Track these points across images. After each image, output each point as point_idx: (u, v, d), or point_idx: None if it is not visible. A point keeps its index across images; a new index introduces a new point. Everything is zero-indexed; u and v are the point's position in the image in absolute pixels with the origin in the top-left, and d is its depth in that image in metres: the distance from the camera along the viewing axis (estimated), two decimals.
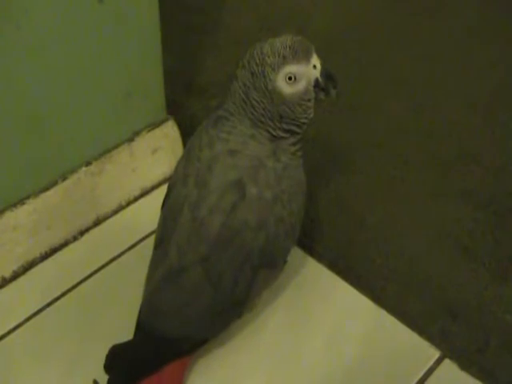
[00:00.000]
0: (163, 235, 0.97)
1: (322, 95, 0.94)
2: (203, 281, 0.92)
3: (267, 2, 1.83)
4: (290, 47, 0.90)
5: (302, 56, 0.90)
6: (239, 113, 0.94)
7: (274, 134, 0.94)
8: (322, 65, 0.92)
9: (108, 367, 0.94)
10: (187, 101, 1.50)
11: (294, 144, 0.96)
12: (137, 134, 1.27)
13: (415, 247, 1.21)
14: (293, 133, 0.95)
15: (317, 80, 0.92)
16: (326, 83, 0.93)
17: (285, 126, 0.94)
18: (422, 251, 1.20)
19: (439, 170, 1.36)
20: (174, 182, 1.00)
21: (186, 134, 1.32)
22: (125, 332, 0.97)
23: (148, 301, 0.97)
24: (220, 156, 0.93)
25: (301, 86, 0.91)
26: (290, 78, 0.90)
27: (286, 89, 0.90)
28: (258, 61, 0.90)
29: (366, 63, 1.63)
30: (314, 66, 0.91)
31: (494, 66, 1.63)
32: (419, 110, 1.50)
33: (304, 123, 0.95)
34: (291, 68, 0.90)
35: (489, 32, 1.75)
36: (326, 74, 0.92)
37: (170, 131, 1.32)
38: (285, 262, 1.02)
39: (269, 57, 0.89)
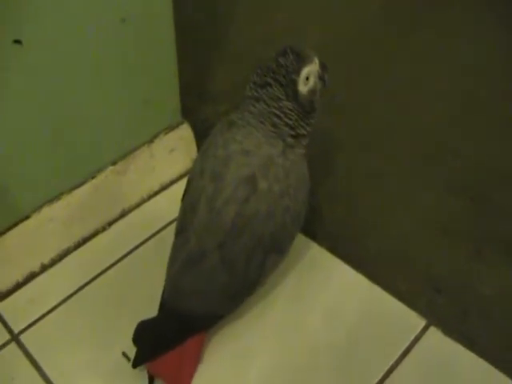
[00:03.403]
0: (183, 224, 0.97)
1: (320, 84, 0.98)
2: (220, 264, 0.93)
3: (267, 19, 1.84)
4: (298, 53, 0.94)
5: (311, 57, 0.95)
6: (261, 127, 0.95)
7: (302, 132, 0.97)
8: (319, 59, 0.96)
9: (136, 340, 0.96)
10: (200, 107, 1.50)
11: (305, 146, 1.00)
12: (155, 136, 1.28)
13: (404, 231, 1.21)
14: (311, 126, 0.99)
15: (317, 72, 0.96)
16: (322, 73, 0.97)
17: (312, 121, 0.98)
18: (409, 235, 1.21)
19: (423, 163, 1.37)
20: (191, 177, 1.01)
21: (199, 135, 1.34)
22: (149, 310, 0.99)
23: (171, 282, 0.98)
24: (234, 154, 0.94)
25: (312, 82, 0.95)
26: (307, 79, 0.94)
27: (304, 88, 0.94)
28: (283, 72, 0.93)
29: (356, 71, 1.64)
30: (315, 62, 0.95)
31: (469, 69, 1.63)
32: (404, 110, 1.51)
33: (316, 109, 0.99)
34: (307, 69, 0.94)
35: (467, 39, 1.75)
36: (322, 66, 0.97)
37: (184, 133, 1.33)
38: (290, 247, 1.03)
39: (288, 66, 0.92)
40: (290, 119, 0.95)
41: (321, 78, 0.97)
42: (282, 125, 0.95)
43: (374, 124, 1.47)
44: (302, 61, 0.93)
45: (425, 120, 1.48)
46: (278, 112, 0.94)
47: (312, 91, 0.96)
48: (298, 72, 0.93)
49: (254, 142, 0.94)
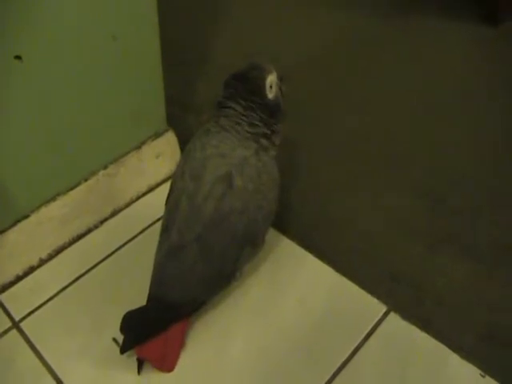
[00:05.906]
0: (168, 222, 0.99)
1: (279, 93, 1.02)
2: (198, 256, 0.95)
3: (245, 41, 1.84)
4: (261, 66, 0.99)
5: (271, 69, 1.00)
6: (236, 129, 0.98)
7: (276, 128, 1.00)
8: (277, 71, 1.01)
9: (123, 329, 0.96)
10: (183, 116, 1.52)
11: (277, 148, 1.02)
12: (143, 142, 1.29)
13: (368, 227, 1.23)
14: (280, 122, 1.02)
15: (277, 82, 1.01)
16: (280, 83, 1.02)
17: (280, 117, 1.02)
18: (373, 231, 1.22)
19: (387, 168, 1.37)
20: (174, 179, 1.03)
21: (183, 141, 1.33)
22: (138, 299, 1.00)
23: (155, 273, 0.99)
24: (211, 156, 0.96)
25: (274, 89, 1.00)
26: (270, 87, 0.99)
27: (269, 94, 0.99)
28: (252, 79, 0.97)
29: (325, 86, 1.64)
30: (274, 74, 1.00)
31: (428, 84, 1.62)
32: (372, 122, 1.51)
33: (283, 112, 1.02)
34: (269, 78, 0.99)
35: (429, 56, 1.74)
36: (280, 77, 1.02)
37: (170, 140, 1.34)
38: (263, 241, 1.05)
39: (255, 75, 0.98)
40: (264, 113, 0.98)
41: (279, 87, 1.02)
42: (258, 120, 0.98)
43: (344, 134, 1.48)
44: (264, 71, 0.99)
45: (392, 129, 1.49)
46: (253, 105, 0.97)
47: (276, 96, 1.00)
48: (263, 80, 0.98)
49: (229, 146, 0.97)
